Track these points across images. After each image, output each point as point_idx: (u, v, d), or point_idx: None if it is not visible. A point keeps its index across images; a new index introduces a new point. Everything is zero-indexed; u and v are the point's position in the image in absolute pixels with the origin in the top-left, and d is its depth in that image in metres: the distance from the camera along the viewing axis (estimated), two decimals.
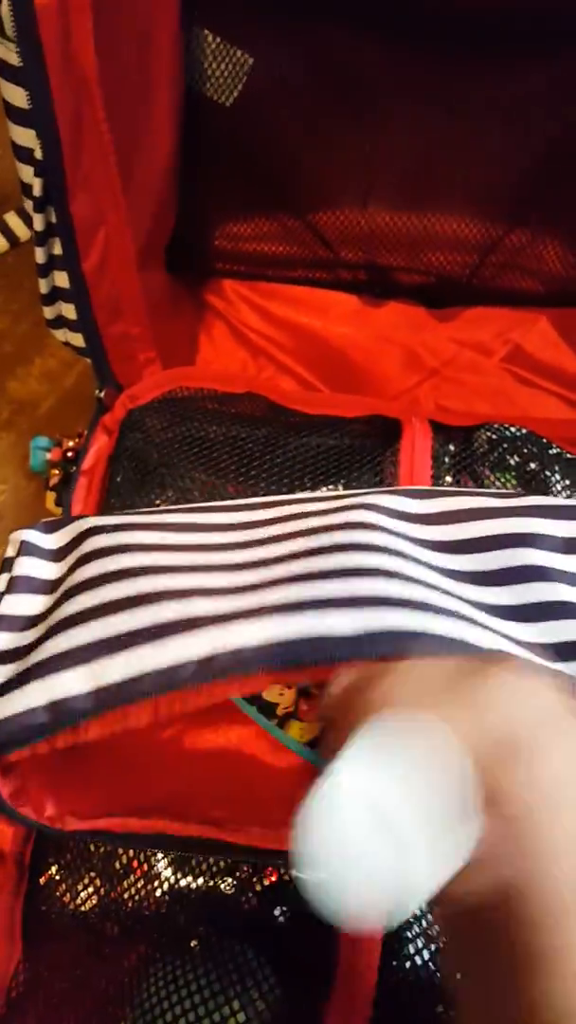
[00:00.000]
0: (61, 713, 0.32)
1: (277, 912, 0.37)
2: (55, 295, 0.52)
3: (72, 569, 0.38)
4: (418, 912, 0.35)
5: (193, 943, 0.37)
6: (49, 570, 0.40)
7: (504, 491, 0.40)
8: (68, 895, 0.40)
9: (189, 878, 0.39)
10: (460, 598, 0.33)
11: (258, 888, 0.38)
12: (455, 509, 0.37)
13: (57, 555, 0.40)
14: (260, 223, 0.62)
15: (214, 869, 0.39)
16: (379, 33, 0.48)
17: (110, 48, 0.41)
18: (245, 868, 0.39)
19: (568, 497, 0.47)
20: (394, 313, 0.65)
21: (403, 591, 0.31)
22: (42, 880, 0.41)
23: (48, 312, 0.53)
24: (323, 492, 0.48)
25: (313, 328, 0.65)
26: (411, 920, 0.35)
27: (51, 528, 0.42)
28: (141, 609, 0.33)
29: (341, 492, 0.40)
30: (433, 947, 0.34)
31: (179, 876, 0.39)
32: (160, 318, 0.59)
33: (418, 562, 0.34)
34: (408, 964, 0.34)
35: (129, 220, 0.49)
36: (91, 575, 0.36)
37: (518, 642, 0.32)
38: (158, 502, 0.48)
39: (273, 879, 0.38)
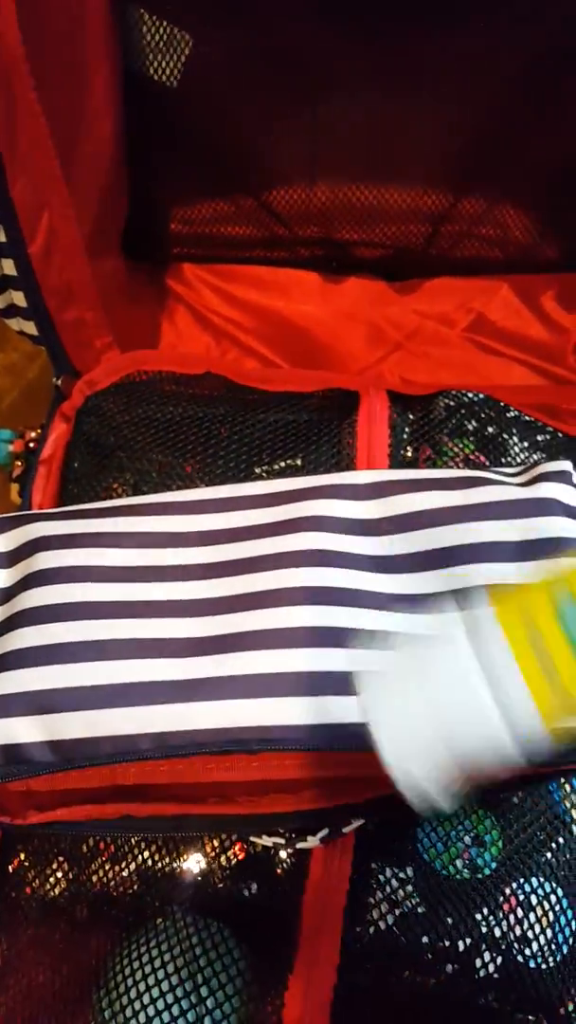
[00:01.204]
0: (14, 758, 0.33)
1: (243, 887, 0.37)
2: (4, 283, 0.51)
3: (22, 585, 0.38)
4: (381, 877, 0.35)
5: (160, 921, 0.37)
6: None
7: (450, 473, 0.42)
8: (37, 880, 0.40)
9: (156, 857, 0.39)
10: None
11: (224, 864, 0.38)
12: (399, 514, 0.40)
13: (7, 560, 0.40)
14: (215, 205, 0.62)
15: (181, 847, 0.39)
16: (312, 9, 0.48)
17: (37, 26, 0.40)
18: (212, 845, 0.39)
19: (527, 458, 0.47)
20: (355, 288, 0.65)
21: (349, 661, 0.33)
22: (11, 867, 0.41)
23: None
24: (280, 466, 0.48)
25: (275, 308, 0.65)
26: (374, 885, 0.35)
27: (0, 527, 0.42)
28: (99, 664, 0.34)
29: (290, 488, 0.41)
30: (397, 912, 0.34)
31: (146, 855, 0.39)
32: (119, 304, 0.59)
33: (360, 600, 0.36)
34: (372, 929, 0.34)
35: (73, 203, 0.48)
36: (40, 604, 0.37)
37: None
38: (115, 486, 0.48)
39: (240, 856, 0.38)
